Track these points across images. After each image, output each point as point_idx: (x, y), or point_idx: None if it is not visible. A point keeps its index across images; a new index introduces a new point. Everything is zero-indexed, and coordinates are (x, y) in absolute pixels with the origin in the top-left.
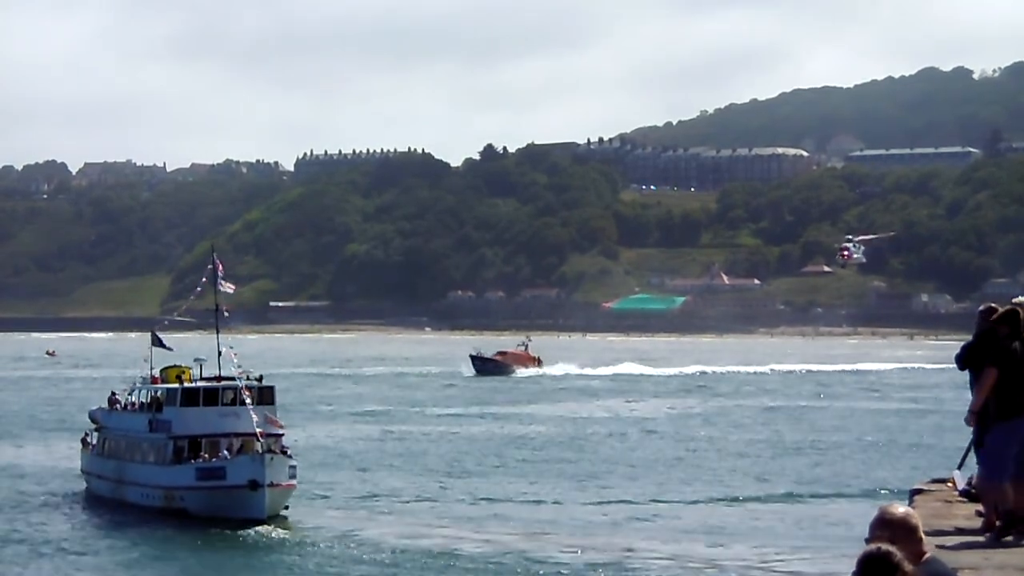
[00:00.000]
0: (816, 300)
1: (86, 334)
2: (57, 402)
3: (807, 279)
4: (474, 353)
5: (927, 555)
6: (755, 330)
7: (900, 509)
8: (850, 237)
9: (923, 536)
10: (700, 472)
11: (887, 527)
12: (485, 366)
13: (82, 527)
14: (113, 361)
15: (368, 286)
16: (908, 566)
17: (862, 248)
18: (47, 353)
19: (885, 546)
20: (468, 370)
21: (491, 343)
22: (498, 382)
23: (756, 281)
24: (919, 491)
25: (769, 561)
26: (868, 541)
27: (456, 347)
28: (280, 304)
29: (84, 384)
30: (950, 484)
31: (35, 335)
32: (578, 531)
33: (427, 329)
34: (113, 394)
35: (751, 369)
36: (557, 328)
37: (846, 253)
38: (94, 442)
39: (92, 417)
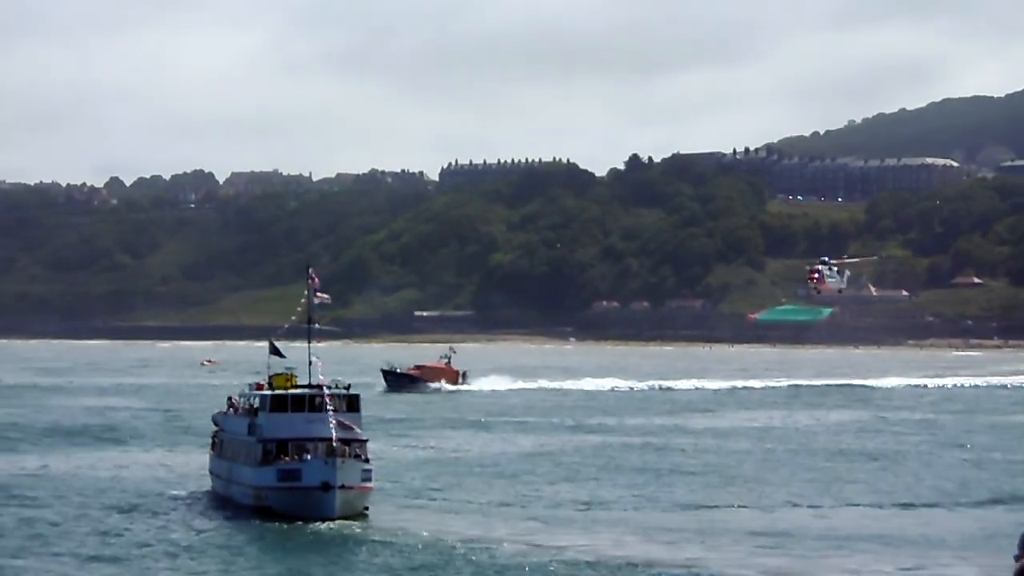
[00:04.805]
0: (966, 312)
1: (248, 343)
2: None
3: (956, 291)
4: (386, 367)
5: None
6: (903, 342)
7: None
8: (825, 259)
9: None
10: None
11: None
12: (398, 381)
13: (187, 525)
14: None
15: (513, 296)
16: None
17: (846, 273)
18: (203, 363)
19: None
20: (380, 385)
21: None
22: (406, 399)
23: (904, 292)
24: None
25: (927, 567)
26: (1017, 558)
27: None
28: (424, 314)
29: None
30: None
31: (185, 343)
32: None
33: (571, 340)
34: (230, 399)
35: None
36: (703, 339)
37: (816, 277)
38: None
39: (214, 420)
